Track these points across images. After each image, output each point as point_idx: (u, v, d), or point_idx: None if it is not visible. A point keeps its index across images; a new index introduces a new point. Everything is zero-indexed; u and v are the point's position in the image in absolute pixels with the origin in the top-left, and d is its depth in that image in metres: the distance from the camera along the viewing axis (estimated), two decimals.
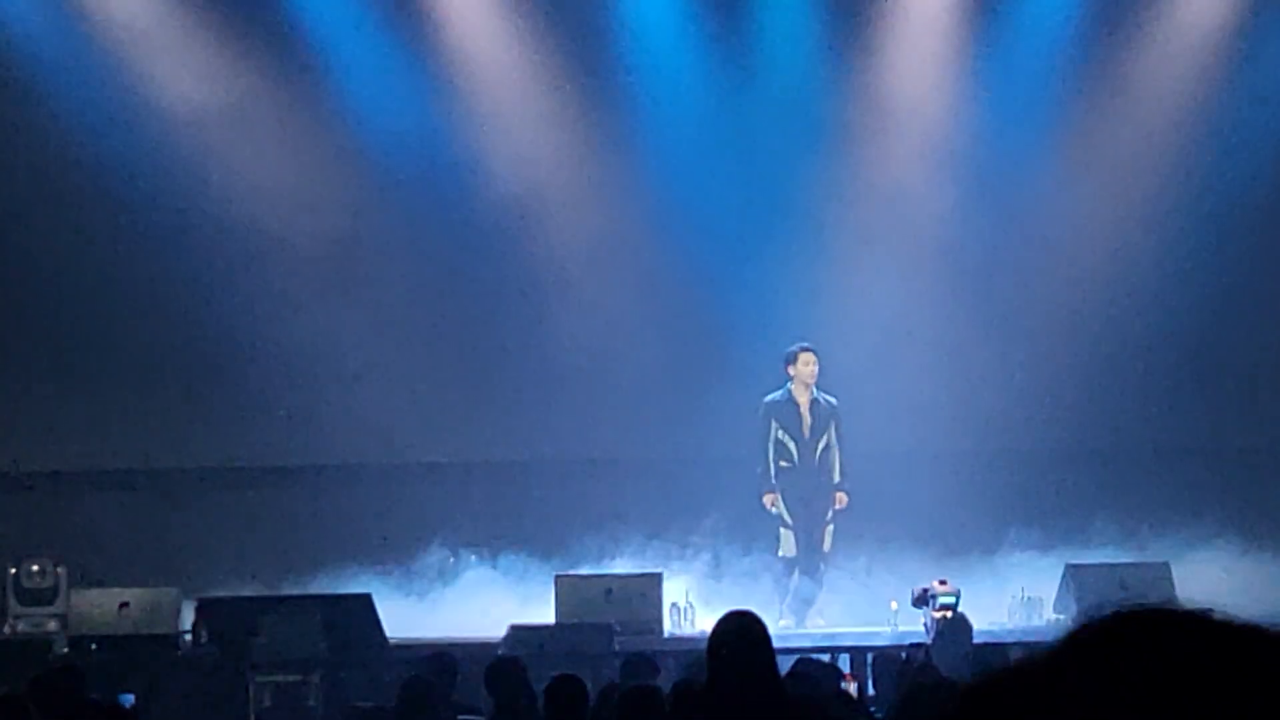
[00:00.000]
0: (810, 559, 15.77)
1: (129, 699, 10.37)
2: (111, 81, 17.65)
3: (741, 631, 6.47)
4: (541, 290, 18.09)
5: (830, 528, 15.89)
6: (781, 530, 15.84)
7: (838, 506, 15.88)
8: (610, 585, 14.81)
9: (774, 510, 15.87)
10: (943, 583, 13.82)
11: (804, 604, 15.57)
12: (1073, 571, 15.18)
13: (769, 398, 16.03)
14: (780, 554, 15.79)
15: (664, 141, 18.02)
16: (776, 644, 6.64)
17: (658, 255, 18.08)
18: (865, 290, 17.79)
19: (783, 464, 15.92)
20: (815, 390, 15.99)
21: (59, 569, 15.99)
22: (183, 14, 17.74)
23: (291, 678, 13.73)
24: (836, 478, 15.93)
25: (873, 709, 10.35)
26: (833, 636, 14.38)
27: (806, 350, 15.96)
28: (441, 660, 11.51)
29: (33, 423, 17.94)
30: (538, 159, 18.00)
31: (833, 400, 16.06)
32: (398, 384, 17.91)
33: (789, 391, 16.00)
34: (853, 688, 9.95)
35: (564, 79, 18.06)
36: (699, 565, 15.83)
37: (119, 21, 17.70)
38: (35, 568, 15.95)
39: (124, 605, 14.52)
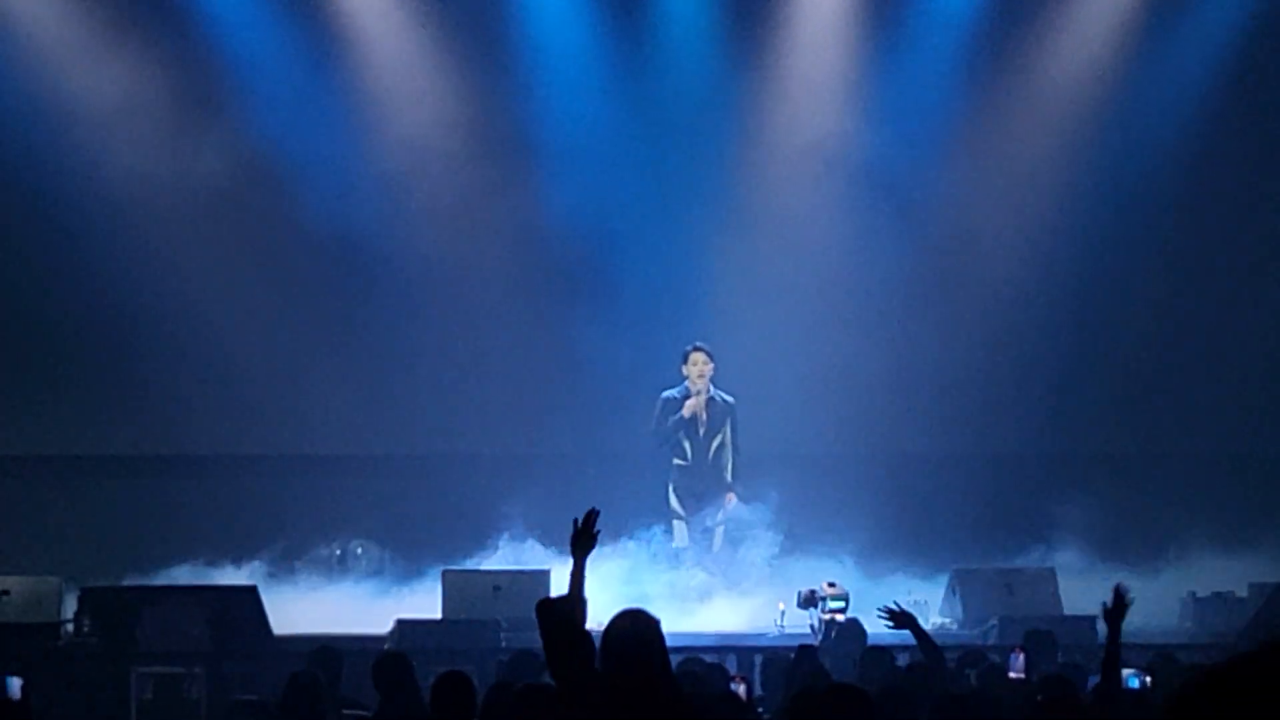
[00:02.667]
0: (701, 555, 15.86)
1: (17, 682, 10.17)
2: (11, 77, 17.49)
3: (635, 630, 6.46)
4: (432, 284, 18.06)
5: (720, 529, 16.00)
6: (675, 522, 15.96)
7: (727, 506, 15.96)
8: (498, 581, 14.77)
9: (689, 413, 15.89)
10: (832, 585, 13.85)
11: (695, 599, 15.60)
12: (959, 576, 15.27)
13: (666, 393, 16.16)
14: (674, 545, 15.88)
15: (563, 136, 18.00)
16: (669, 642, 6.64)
17: (554, 251, 18.08)
18: (763, 291, 17.90)
19: (677, 461, 16.04)
20: (712, 388, 16.11)
21: None
22: (82, 10, 17.62)
23: (174, 669, 13.59)
24: (728, 477, 16.04)
25: (760, 709, 10.37)
26: (720, 636, 14.39)
27: (698, 350, 16.04)
28: (327, 655, 11.42)
29: None
30: (432, 153, 17.96)
31: (729, 399, 16.17)
32: (286, 376, 17.83)
33: (685, 389, 16.08)
34: (741, 689, 9.94)
35: (463, 81, 18.03)
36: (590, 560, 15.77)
37: (18, 19, 17.58)
38: None
39: (5, 593, 14.33)
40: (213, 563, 15.99)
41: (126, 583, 15.00)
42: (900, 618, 10.11)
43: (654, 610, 6.63)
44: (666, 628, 6.66)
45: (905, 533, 16.66)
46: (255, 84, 17.79)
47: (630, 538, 15.77)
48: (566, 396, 17.84)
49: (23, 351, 17.95)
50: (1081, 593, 15.28)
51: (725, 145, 18.22)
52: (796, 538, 15.99)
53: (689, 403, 16.03)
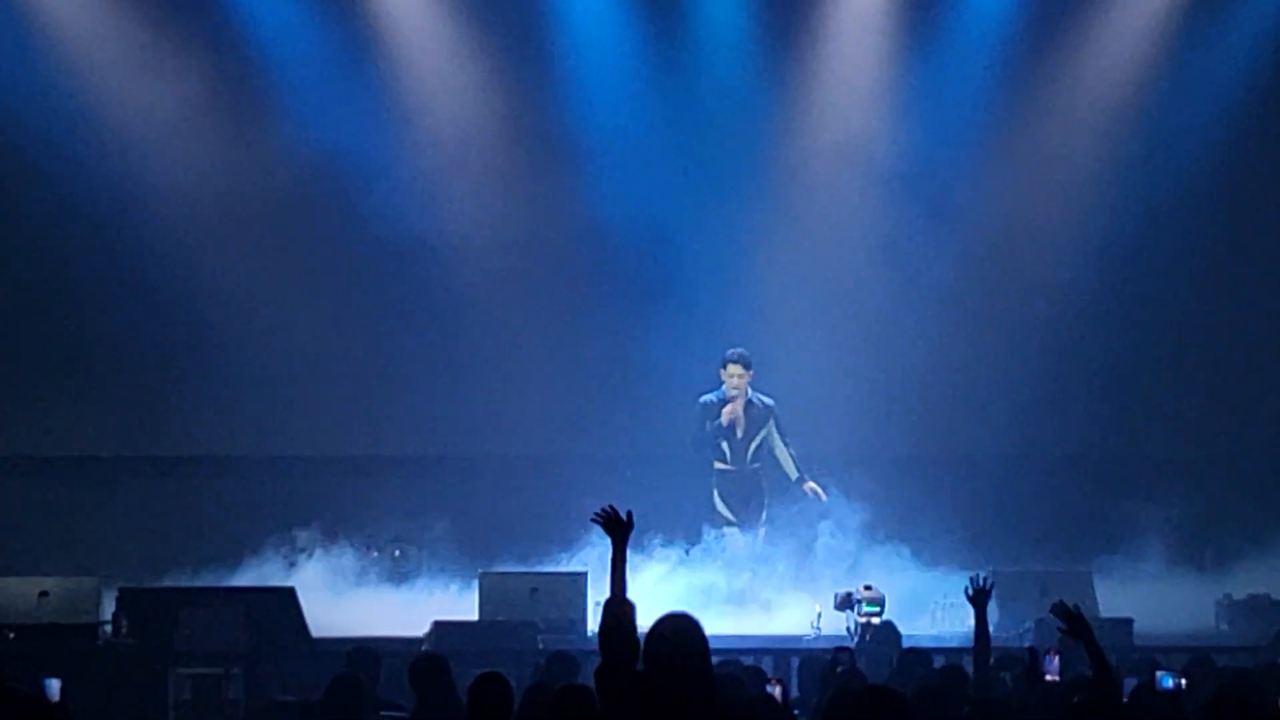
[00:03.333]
0: (749, 557, 15.87)
1: (55, 684, 10.20)
2: (61, 85, 17.61)
3: (679, 633, 6.50)
4: (475, 285, 18.10)
5: (763, 530, 16.06)
6: (725, 529, 16.03)
7: (812, 495, 15.96)
8: (535, 583, 14.80)
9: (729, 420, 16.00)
10: (868, 588, 13.86)
11: (743, 599, 15.59)
12: (995, 578, 15.19)
13: (704, 398, 16.25)
14: (728, 549, 15.90)
15: (603, 144, 18.02)
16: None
17: (595, 250, 18.11)
18: (808, 289, 17.91)
19: (719, 465, 16.13)
20: (750, 390, 16.17)
21: None
22: (130, 20, 17.71)
23: (212, 670, 13.61)
24: (794, 475, 16.06)
25: (796, 712, 10.37)
26: (757, 638, 14.38)
27: (734, 361, 16.12)
28: (364, 656, 11.46)
29: None
30: (471, 160, 18.02)
31: (769, 401, 16.24)
32: (324, 377, 17.89)
33: (723, 392, 16.12)
34: (777, 691, 9.95)
35: (503, 81, 18.07)
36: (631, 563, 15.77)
37: (69, 29, 17.66)
38: None
39: (44, 594, 14.38)
40: (248, 562, 16.02)
41: (162, 583, 15.04)
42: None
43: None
44: (716, 630, 6.71)
45: (948, 532, 16.60)
46: (296, 90, 17.84)
47: (706, 533, 15.81)
48: (619, 396, 17.82)
49: (63, 354, 18.02)
50: (1120, 594, 15.31)
51: (765, 145, 18.24)
52: (867, 538, 15.98)
53: (726, 410, 16.11)
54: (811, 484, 16.06)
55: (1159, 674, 10.23)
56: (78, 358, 18.01)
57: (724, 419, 16.14)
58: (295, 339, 17.85)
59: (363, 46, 18.02)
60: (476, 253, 18.05)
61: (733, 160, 18.08)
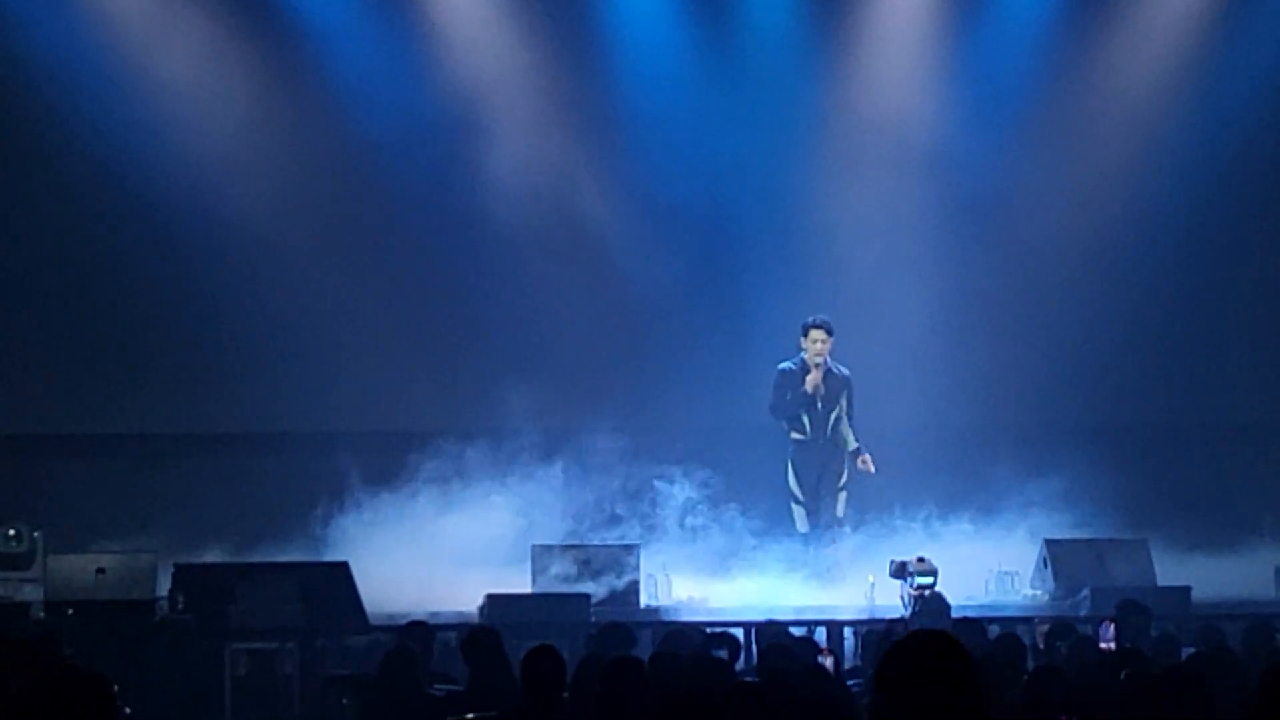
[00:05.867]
0: (823, 530, 15.73)
1: None
2: (104, 66, 17.68)
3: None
4: (530, 269, 18.14)
5: (843, 494, 15.83)
6: (794, 506, 15.83)
7: (863, 468, 15.75)
8: (587, 556, 14.80)
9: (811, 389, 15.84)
10: (921, 560, 13.82)
11: (823, 573, 15.48)
12: (1051, 546, 15.17)
13: (782, 365, 15.95)
14: (797, 529, 15.78)
15: (654, 133, 18.06)
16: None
17: (650, 241, 18.12)
18: (855, 277, 17.87)
19: (795, 435, 15.88)
20: (829, 360, 15.91)
21: (36, 534, 15.94)
22: (181, 6, 17.83)
23: (268, 645, 13.68)
24: (852, 445, 15.85)
25: (852, 682, 10.37)
26: (810, 609, 14.35)
27: (817, 327, 15.79)
28: (418, 630, 11.49)
29: (8, 387, 17.92)
30: (526, 145, 18.03)
31: (845, 371, 16.01)
32: (375, 353, 17.92)
33: (802, 361, 15.92)
34: (829, 661, 9.96)
35: (554, 75, 18.13)
36: (699, 538, 15.80)
37: (114, 11, 17.77)
38: (11, 532, 15.91)
39: (101, 571, 14.44)
40: (302, 537, 16.07)
41: (218, 559, 15.09)
42: None
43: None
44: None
45: (1002, 501, 16.57)
46: (353, 75, 17.90)
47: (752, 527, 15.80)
48: (679, 371, 17.82)
49: (118, 332, 18.10)
50: (1178, 562, 15.28)
51: (814, 124, 18.23)
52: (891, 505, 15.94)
53: (809, 378, 15.77)
54: (866, 457, 15.85)
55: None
56: (133, 335, 18.08)
57: (808, 387, 15.86)
58: (352, 317, 17.89)
59: (421, 32, 18.06)
60: (527, 231, 18.06)
61: (782, 156, 18.08)
